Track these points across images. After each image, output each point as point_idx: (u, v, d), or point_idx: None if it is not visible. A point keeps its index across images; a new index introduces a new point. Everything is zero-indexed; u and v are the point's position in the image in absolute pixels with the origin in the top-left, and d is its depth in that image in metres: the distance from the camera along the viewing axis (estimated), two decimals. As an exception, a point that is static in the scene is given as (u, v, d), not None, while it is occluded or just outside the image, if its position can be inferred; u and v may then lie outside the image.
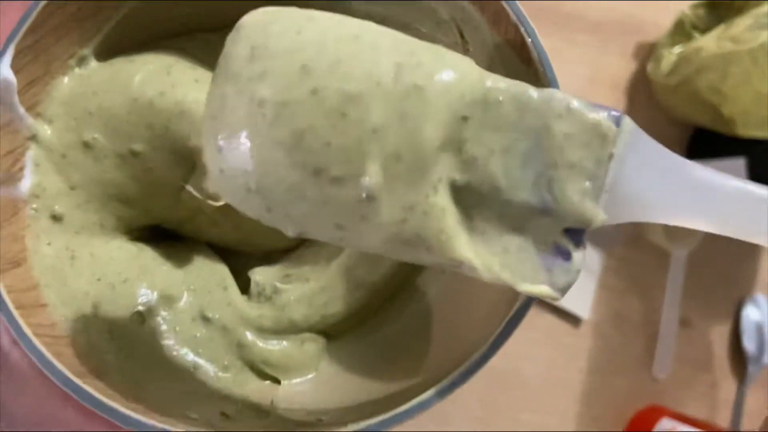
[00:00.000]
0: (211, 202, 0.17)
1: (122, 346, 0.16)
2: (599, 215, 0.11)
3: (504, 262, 0.12)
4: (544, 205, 0.11)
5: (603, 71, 0.53)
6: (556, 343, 0.48)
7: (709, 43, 0.47)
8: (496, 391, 0.47)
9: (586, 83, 0.52)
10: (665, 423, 0.47)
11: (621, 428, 0.50)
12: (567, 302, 0.48)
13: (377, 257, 0.19)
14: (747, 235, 0.11)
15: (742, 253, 0.56)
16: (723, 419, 0.54)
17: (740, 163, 0.48)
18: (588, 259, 0.50)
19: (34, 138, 0.15)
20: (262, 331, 0.18)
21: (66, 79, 0.16)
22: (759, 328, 0.55)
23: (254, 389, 0.17)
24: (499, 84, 0.12)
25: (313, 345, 0.18)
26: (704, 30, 0.50)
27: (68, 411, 0.14)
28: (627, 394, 0.50)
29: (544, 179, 0.11)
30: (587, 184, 0.11)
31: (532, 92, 0.12)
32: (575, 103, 0.12)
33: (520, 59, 0.15)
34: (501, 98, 0.11)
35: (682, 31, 0.51)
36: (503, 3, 0.15)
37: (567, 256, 0.11)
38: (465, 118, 0.11)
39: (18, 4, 0.14)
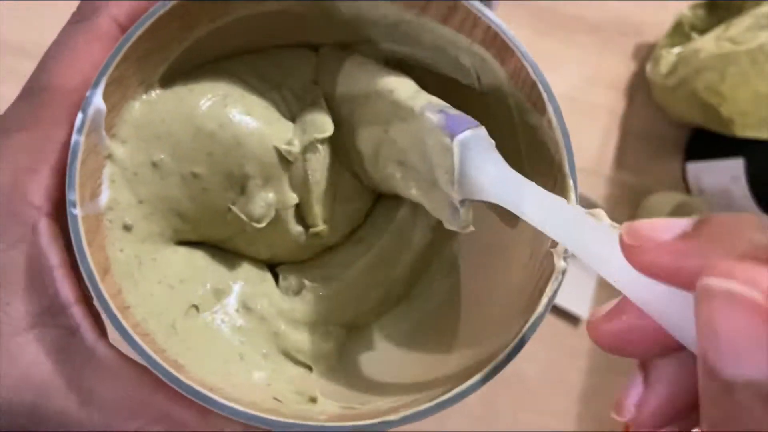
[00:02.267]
0: (254, 224, 0.20)
1: (184, 339, 0.18)
2: (456, 194, 0.17)
3: (431, 207, 0.18)
4: (435, 183, 0.18)
5: (602, 71, 0.53)
6: (555, 343, 0.48)
7: (707, 43, 0.47)
8: (496, 390, 0.47)
9: (585, 83, 0.52)
10: (664, 422, 0.47)
11: (620, 427, 0.50)
12: (567, 302, 0.48)
13: (395, 259, 0.22)
14: (545, 229, 0.15)
15: (740, 252, 0.56)
16: (722, 418, 0.54)
17: (739, 163, 0.49)
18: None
19: (110, 157, 0.17)
20: (295, 322, 0.21)
21: (137, 104, 0.18)
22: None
23: (293, 375, 0.20)
24: (403, 101, 0.19)
25: (336, 337, 0.21)
26: (703, 31, 0.50)
27: (159, 396, 0.16)
28: (626, 394, 0.50)
29: (432, 169, 0.17)
30: (446, 175, 0.17)
31: (416, 113, 0.18)
32: (433, 122, 0.17)
33: (534, 108, 0.18)
34: (408, 115, 0.18)
35: (681, 31, 0.52)
36: (523, 61, 0.18)
37: (457, 210, 0.17)
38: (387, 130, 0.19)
39: (90, 36, 0.16)
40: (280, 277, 0.22)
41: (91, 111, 0.16)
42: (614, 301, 0.15)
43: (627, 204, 0.52)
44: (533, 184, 0.16)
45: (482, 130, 0.17)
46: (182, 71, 0.19)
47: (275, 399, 0.18)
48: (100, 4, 0.17)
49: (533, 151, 0.19)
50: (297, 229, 0.21)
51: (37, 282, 0.16)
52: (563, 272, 0.16)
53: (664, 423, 0.14)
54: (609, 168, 0.52)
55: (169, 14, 0.16)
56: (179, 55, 0.18)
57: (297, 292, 0.21)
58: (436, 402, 0.16)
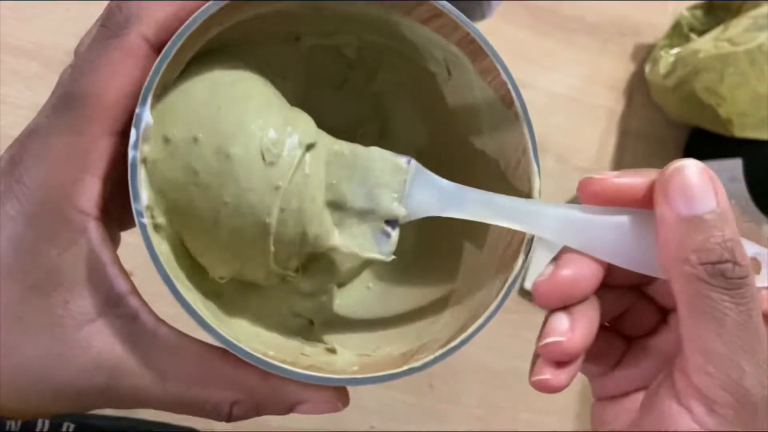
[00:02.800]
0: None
1: (218, 317, 0.20)
2: (402, 212, 0.20)
3: (354, 242, 0.20)
4: (372, 208, 0.20)
5: (601, 72, 0.53)
6: (554, 342, 0.48)
7: (706, 44, 0.47)
8: (496, 390, 0.47)
9: (584, 84, 0.52)
10: (663, 421, 0.47)
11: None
12: (566, 302, 0.49)
13: None
14: (487, 220, 0.19)
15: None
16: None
17: (737, 163, 0.49)
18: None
19: (144, 161, 0.18)
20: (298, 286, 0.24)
21: (157, 105, 0.19)
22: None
23: (299, 328, 0.23)
24: (343, 146, 0.20)
25: (330, 291, 0.24)
26: (702, 32, 0.51)
27: (225, 365, 0.18)
28: (625, 393, 0.50)
29: (371, 194, 0.20)
30: (395, 194, 0.20)
31: (361, 148, 0.20)
32: (386, 152, 0.20)
33: (502, 102, 0.20)
34: (345, 152, 0.20)
35: (679, 32, 0.52)
36: (494, 62, 0.20)
37: (388, 235, 0.20)
38: (329, 162, 0.20)
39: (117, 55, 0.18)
40: None
41: (143, 126, 0.17)
42: (550, 267, 0.18)
43: (626, 204, 0.52)
44: (470, 189, 0.20)
45: (416, 162, 0.20)
46: (189, 69, 0.20)
47: (303, 354, 0.21)
48: (127, 21, 0.18)
49: (496, 134, 0.21)
50: None
51: (92, 279, 0.17)
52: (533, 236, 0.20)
53: (581, 351, 0.18)
54: (608, 168, 0.52)
55: (195, 31, 0.18)
56: (191, 58, 0.19)
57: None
58: (450, 347, 0.19)
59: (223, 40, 0.20)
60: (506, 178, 0.21)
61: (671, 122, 0.54)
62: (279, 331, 0.22)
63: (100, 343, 0.17)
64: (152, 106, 0.18)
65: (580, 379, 0.54)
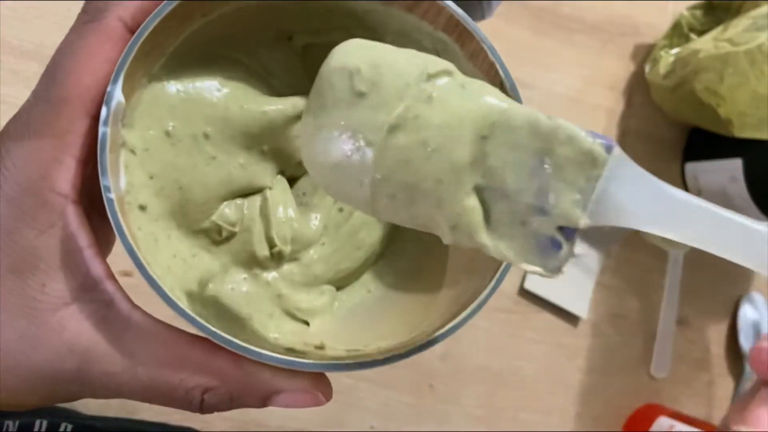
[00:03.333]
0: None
1: (201, 307, 0.20)
2: (584, 220, 0.15)
3: (510, 245, 0.16)
4: (544, 208, 0.15)
5: (601, 72, 0.53)
6: (554, 342, 0.48)
7: (706, 44, 0.47)
8: (496, 390, 0.47)
9: (584, 84, 0.52)
10: (663, 421, 0.47)
11: (619, 427, 0.50)
12: (565, 302, 0.49)
13: (373, 223, 0.24)
14: (703, 245, 0.15)
15: (738, 252, 0.57)
16: (720, 417, 0.54)
17: (737, 163, 0.49)
18: (587, 259, 0.50)
19: (123, 144, 0.19)
20: (294, 284, 0.23)
21: (144, 93, 0.20)
22: (756, 327, 0.56)
23: (295, 330, 0.23)
24: (516, 110, 0.15)
25: (328, 294, 0.24)
26: (702, 32, 0.51)
27: (195, 350, 0.18)
28: (625, 393, 0.50)
29: (545, 189, 0.15)
30: (578, 196, 0.15)
31: (543, 120, 0.15)
32: (576, 132, 0.15)
33: (491, 84, 0.19)
34: (517, 123, 0.15)
35: (679, 32, 0.52)
36: (482, 44, 0.19)
37: (559, 246, 0.15)
38: (485, 138, 0.15)
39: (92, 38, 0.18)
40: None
41: (113, 104, 0.17)
42: None
43: (626, 204, 0.52)
44: (695, 198, 0.15)
45: (618, 147, 0.15)
46: (177, 62, 0.20)
47: (288, 349, 0.20)
48: (106, 6, 0.18)
49: None
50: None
51: (69, 262, 0.17)
52: None
53: None
54: (608, 168, 0.52)
55: (170, 14, 0.18)
56: (175, 48, 0.20)
57: (294, 257, 0.24)
58: (436, 335, 0.18)
59: (217, 42, 0.21)
60: None
61: (671, 122, 0.54)
62: (266, 329, 0.22)
63: (74, 327, 0.17)
64: (142, 96, 0.19)
65: (580, 380, 0.54)
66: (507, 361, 0.47)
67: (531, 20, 0.51)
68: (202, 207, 0.22)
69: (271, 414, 0.41)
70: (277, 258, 0.23)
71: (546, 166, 0.15)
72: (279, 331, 0.22)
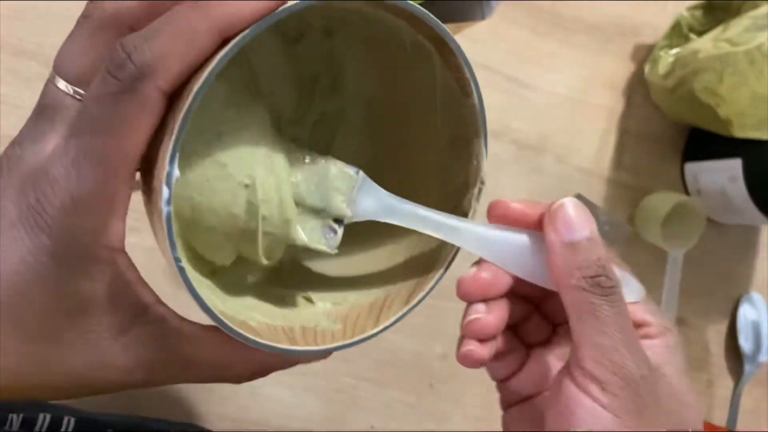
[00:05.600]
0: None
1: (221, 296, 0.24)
2: (348, 213, 0.23)
3: (306, 234, 0.23)
4: (323, 207, 0.23)
5: (600, 72, 0.53)
6: (554, 342, 0.48)
7: (706, 44, 0.47)
8: (495, 390, 0.47)
9: (583, 84, 0.52)
10: (662, 421, 0.47)
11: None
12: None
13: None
14: (418, 229, 0.23)
15: (737, 252, 0.57)
16: (719, 417, 0.54)
17: (736, 163, 0.49)
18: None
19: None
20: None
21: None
22: (755, 327, 0.56)
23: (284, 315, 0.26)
24: (304, 155, 0.24)
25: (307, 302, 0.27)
26: (701, 32, 0.51)
27: (243, 350, 0.20)
28: (625, 393, 0.50)
29: (325, 195, 0.23)
30: (343, 198, 0.23)
31: (321, 160, 0.24)
32: (340, 163, 0.23)
33: (461, 91, 0.23)
34: (306, 160, 0.24)
35: (679, 32, 0.52)
36: (457, 55, 0.21)
37: (335, 232, 0.23)
38: (293, 167, 0.24)
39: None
40: None
41: (173, 182, 0.18)
42: (474, 268, 0.23)
43: (625, 204, 0.52)
44: (405, 202, 0.23)
45: (363, 174, 0.23)
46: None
47: (285, 307, 0.24)
48: (143, 75, 0.18)
49: (448, 112, 0.24)
50: None
51: (122, 298, 0.20)
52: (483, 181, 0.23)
53: (497, 330, 0.23)
54: (607, 168, 0.52)
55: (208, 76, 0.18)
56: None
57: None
58: (420, 297, 0.23)
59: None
60: (455, 150, 0.24)
61: (670, 122, 0.54)
62: (271, 303, 0.25)
63: (136, 347, 0.20)
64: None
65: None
66: (507, 360, 0.47)
67: (531, 20, 0.51)
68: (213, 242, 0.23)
69: (271, 414, 0.41)
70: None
71: (325, 182, 0.23)
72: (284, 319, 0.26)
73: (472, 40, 0.44)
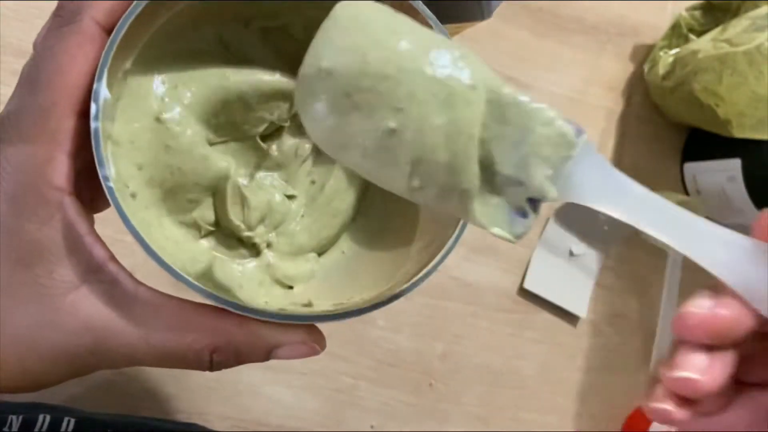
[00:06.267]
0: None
1: (195, 281, 0.22)
2: (552, 193, 0.17)
3: (483, 212, 0.17)
4: (520, 179, 0.17)
5: (600, 73, 0.53)
6: (554, 342, 0.49)
7: (705, 45, 0.47)
8: (495, 390, 0.47)
9: (583, 84, 0.52)
10: (662, 421, 0.47)
11: (618, 426, 0.50)
12: (565, 301, 0.49)
13: (345, 190, 0.26)
14: (646, 228, 0.18)
15: (737, 252, 0.57)
16: (719, 417, 0.54)
17: (736, 163, 0.49)
18: (587, 259, 0.50)
19: (109, 137, 0.20)
20: (282, 254, 0.26)
21: (123, 88, 0.21)
22: (754, 327, 0.56)
23: (282, 294, 0.25)
24: (509, 94, 0.17)
25: (312, 261, 0.26)
26: (701, 32, 0.51)
27: (202, 316, 0.19)
28: (625, 392, 0.50)
29: (524, 162, 0.17)
30: (550, 171, 0.17)
31: (526, 101, 0.17)
32: (555, 115, 0.17)
33: None
34: (507, 101, 0.17)
35: (678, 33, 0.52)
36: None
37: (525, 215, 0.17)
38: (489, 112, 0.17)
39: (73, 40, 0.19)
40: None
41: (101, 100, 0.19)
42: (707, 301, 0.17)
43: (625, 204, 0.52)
44: (638, 186, 0.17)
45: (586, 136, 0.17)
46: (147, 55, 0.22)
47: (281, 309, 0.22)
48: (79, 8, 0.19)
49: None
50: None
51: (73, 249, 0.19)
52: None
53: (713, 393, 0.17)
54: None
55: (141, 12, 0.19)
56: (144, 43, 0.21)
57: (276, 226, 0.26)
58: (411, 282, 0.20)
59: (180, 34, 0.22)
60: None
61: (670, 123, 0.54)
62: (257, 295, 0.24)
63: (86, 307, 0.19)
64: (117, 90, 0.20)
65: (579, 379, 0.54)
66: (507, 360, 0.47)
67: (530, 21, 0.51)
68: (192, 192, 0.23)
69: (271, 414, 0.41)
70: (260, 236, 0.25)
71: (526, 142, 0.16)
72: (268, 296, 0.24)
73: (471, 41, 0.44)
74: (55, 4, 0.28)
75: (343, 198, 0.26)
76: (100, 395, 0.37)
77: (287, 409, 0.42)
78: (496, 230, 0.17)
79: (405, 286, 0.20)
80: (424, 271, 0.20)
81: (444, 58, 0.16)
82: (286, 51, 0.25)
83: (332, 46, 0.17)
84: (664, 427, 0.48)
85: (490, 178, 0.17)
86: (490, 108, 0.17)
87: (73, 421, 0.31)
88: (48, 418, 0.30)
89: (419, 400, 0.45)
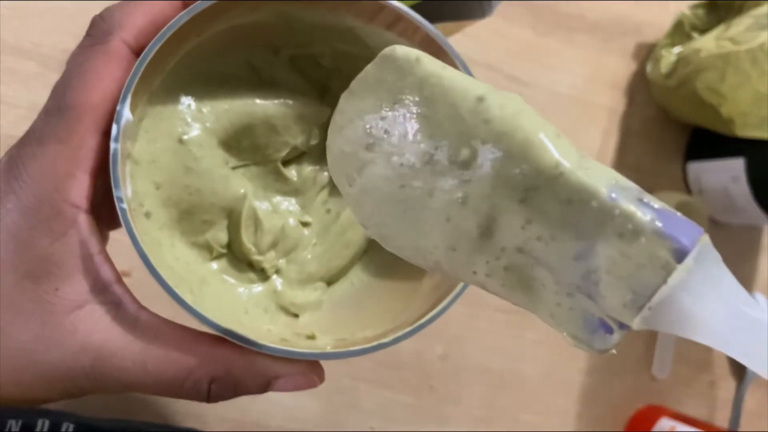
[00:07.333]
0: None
1: (202, 301, 0.22)
2: (634, 324, 0.12)
3: (553, 312, 0.14)
4: (591, 294, 0.12)
5: (602, 71, 0.53)
6: (555, 343, 0.48)
7: (708, 43, 0.47)
8: (497, 391, 0.47)
9: (585, 83, 0.52)
10: (664, 422, 0.47)
11: (620, 428, 0.50)
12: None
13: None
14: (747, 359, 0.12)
15: (740, 252, 0.56)
16: (722, 419, 0.54)
17: (739, 163, 0.49)
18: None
19: (129, 156, 0.21)
20: (290, 281, 0.25)
21: (147, 109, 0.22)
22: (758, 328, 0.55)
23: (287, 322, 0.24)
24: (570, 174, 0.11)
25: (320, 290, 0.26)
26: (703, 30, 0.50)
27: (201, 344, 0.19)
28: (626, 394, 0.50)
29: (593, 276, 0.12)
30: (630, 297, 0.12)
31: (598, 199, 0.11)
32: (643, 223, 0.11)
33: None
34: (569, 197, 0.12)
35: (681, 31, 0.51)
36: (455, 60, 0.21)
37: (610, 330, 0.13)
38: (523, 200, 0.12)
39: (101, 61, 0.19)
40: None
41: (123, 122, 0.19)
42: None
43: (627, 204, 0.52)
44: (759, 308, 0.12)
45: (707, 239, 0.12)
46: (174, 78, 0.22)
47: (283, 340, 0.22)
48: (111, 29, 0.20)
49: None
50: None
51: (81, 267, 0.19)
52: None
53: None
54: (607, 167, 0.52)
55: (171, 36, 0.20)
56: (172, 66, 0.22)
57: (287, 253, 0.26)
58: (418, 323, 0.20)
59: (209, 58, 0.23)
60: None
61: (673, 122, 0.54)
62: (261, 321, 0.24)
63: (86, 327, 0.19)
64: (146, 111, 0.20)
65: (581, 381, 0.54)
66: (508, 361, 0.47)
67: (531, 19, 0.51)
68: (208, 213, 0.23)
69: (271, 414, 0.41)
70: (269, 261, 0.25)
71: (596, 251, 0.11)
72: (272, 323, 0.24)
73: (472, 39, 0.44)
74: (52, 4, 0.28)
75: (357, 229, 0.26)
76: (98, 400, 0.37)
77: (286, 410, 0.41)
78: (567, 338, 0.14)
79: (409, 328, 0.20)
80: (430, 314, 0.21)
81: None
82: (314, 77, 0.25)
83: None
84: (667, 429, 0.48)
85: (557, 279, 0.13)
86: (531, 196, 0.12)
87: (72, 426, 0.31)
88: (47, 422, 0.31)
89: (419, 402, 0.45)
